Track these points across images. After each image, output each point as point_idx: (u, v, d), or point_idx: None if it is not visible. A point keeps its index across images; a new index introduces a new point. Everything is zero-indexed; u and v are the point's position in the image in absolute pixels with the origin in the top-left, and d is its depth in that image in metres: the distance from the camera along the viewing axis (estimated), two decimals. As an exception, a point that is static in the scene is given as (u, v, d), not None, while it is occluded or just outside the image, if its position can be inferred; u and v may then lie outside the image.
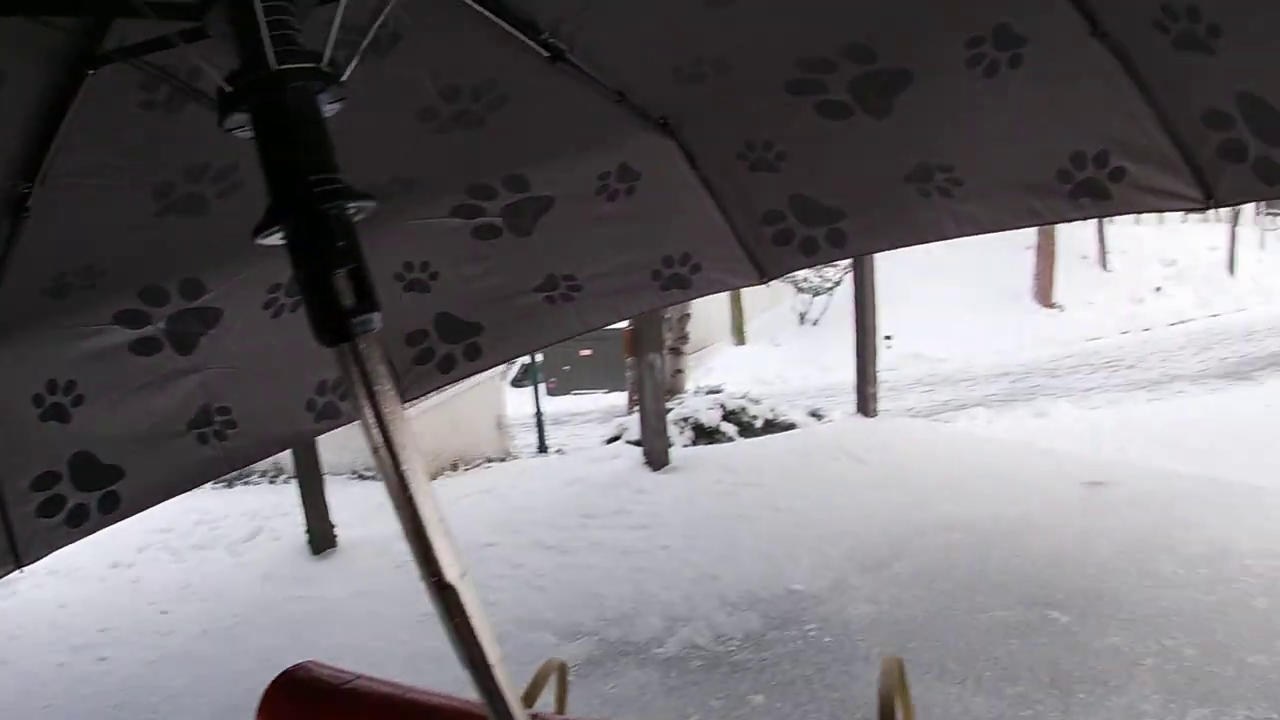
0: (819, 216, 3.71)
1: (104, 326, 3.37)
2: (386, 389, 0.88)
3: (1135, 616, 3.73)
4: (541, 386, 15.26)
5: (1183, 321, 21.41)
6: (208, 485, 11.17)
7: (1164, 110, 2.67)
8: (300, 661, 1.61)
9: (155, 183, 2.62)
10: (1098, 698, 3.22)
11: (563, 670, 2.00)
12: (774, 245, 3.95)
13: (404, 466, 0.86)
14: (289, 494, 7.33)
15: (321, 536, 6.18)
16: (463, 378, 5.16)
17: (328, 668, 1.57)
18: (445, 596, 0.86)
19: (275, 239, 0.98)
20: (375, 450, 0.85)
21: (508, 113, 2.98)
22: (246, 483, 10.81)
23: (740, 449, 7.70)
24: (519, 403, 16.67)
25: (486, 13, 2.36)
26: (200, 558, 7.47)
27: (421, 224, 3.60)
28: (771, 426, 9.11)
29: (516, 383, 21.59)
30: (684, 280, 4.19)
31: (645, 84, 3.16)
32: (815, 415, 10.24)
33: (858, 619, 3.89)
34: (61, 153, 2.21)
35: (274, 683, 1.58)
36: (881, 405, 8.24)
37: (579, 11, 2.51)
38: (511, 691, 0.91)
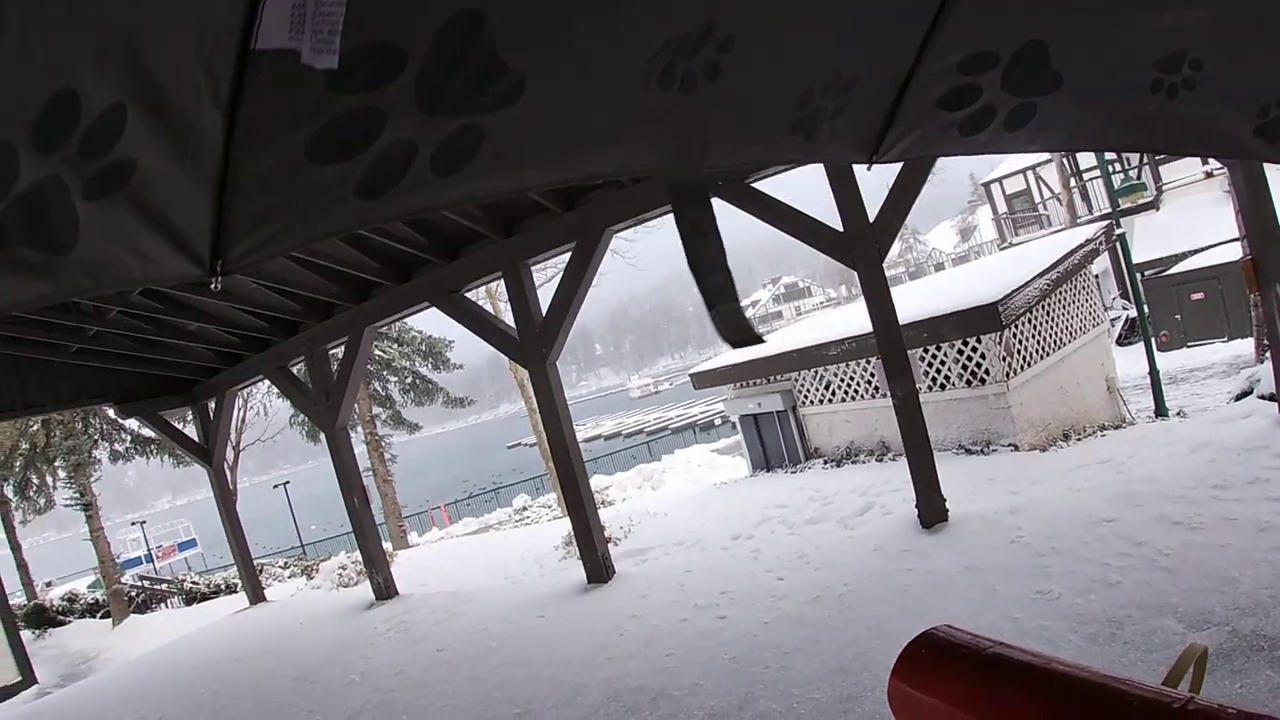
0: None
1: None
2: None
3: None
4: (1152, 341, 13.57)
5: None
6: (817, 465, 12.13)
7: None
8: (936, 625, 1.72)
9: None
10: None
11: (1203, 657, 1.83)
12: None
13: None
14: (898, 470, 7.53)
15: (932, 510, 6.25)
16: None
17: (966, 632, 1.66)
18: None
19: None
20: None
21: None
22: (855, 462, 11.30)
23: None
24: (1128, 362, 15.41)
25: None
26: (814, 530, 8.12)
27: None
28: None
29: (1122, 340, 19.97)
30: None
31: None
32: None
33: None
34: None
35: (912, 643, 1.69)
36: None
37: None
38: None
